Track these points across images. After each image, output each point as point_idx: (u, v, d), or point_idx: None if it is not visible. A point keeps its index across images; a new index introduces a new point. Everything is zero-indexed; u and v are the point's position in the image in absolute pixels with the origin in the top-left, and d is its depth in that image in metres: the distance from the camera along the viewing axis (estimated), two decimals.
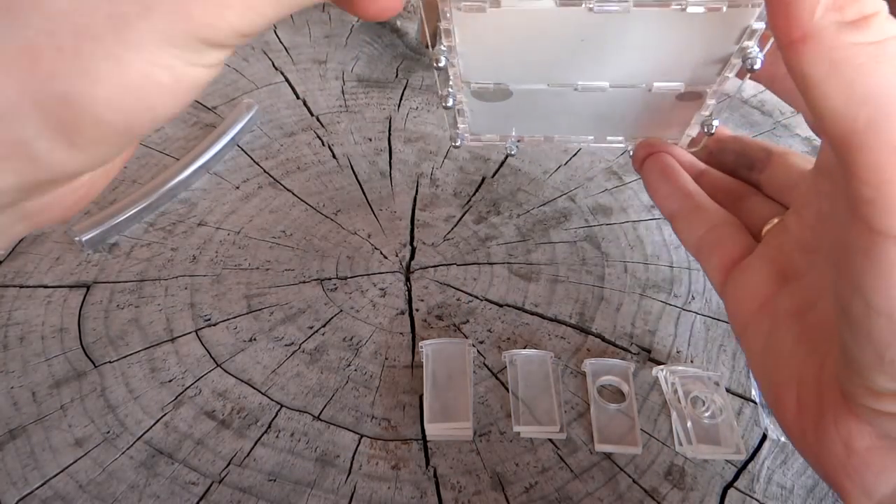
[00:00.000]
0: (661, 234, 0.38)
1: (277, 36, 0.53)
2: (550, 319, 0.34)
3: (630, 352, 0.33)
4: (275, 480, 0.27)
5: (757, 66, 0.25)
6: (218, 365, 0.31)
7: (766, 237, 0.26)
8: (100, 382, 0.30)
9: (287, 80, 0.48)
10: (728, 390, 0.31)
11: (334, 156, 0.43)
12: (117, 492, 0.27)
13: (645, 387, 0.31)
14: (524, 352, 0.31)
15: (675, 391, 0.30)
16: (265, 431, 0.29)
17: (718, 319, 0.34)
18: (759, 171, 0.30)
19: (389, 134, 0.44)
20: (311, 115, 0.46)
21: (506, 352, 0.31)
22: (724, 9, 0.24)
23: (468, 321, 0.33)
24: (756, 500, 0.27)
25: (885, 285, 0.16)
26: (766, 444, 0.29)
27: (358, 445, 0.29)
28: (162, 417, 0.29)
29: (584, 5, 0.24)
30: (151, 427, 0.29)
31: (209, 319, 0.33)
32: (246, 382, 0.31)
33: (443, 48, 0.27)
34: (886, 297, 0.16)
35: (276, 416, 0.29)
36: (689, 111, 0.31)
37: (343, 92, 0.48)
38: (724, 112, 0.31)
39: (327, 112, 0.46)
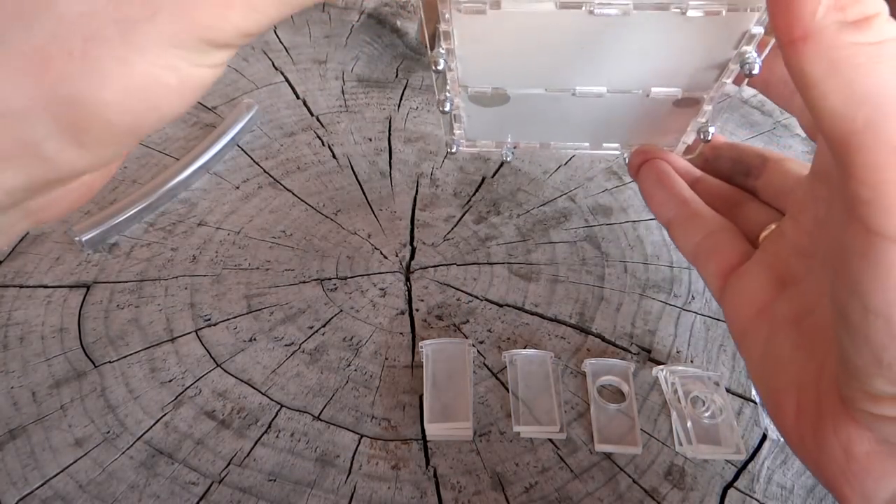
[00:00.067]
0: (661, 234, 0.38)
1: (277, 36, 0.53)
2: (550, 319, 0.34)
3: (630, 352, 0.33)
4: (275, 480, 0.27)
5: (755, 72, 0.25)
6: (218, 365, 0.31)
7: (764, 243, 0.26)
8: (100, 382, 0.30)
9: (287, 80, 0.48)
10: (728, 390, 0.31)
11: (334, 156, 0.43)
12: (117, 492, 0.27)
13: (645, 387, 0.31)
14: (524, 352, 0.31)
15: (675, 391, 0.30)
16: (265, 431, 0.29)
17: (718, 319, 0.34)
18: (756, 177, 0.30)
19: (389, 134, 0.44)
20: (311, 115, 0.46)
21: (506, 352, 0.31)
22: (724, 13, 0.24)
23: (468, 321, 0.33)
24: (756, 500, 0.27)
25: (881, 287, 0.16)
26: (766, 444, 0.29)
27: (358, 445, 0.29)
28: (162, 417, 0.29)
29: (584, 8, 0.24)
30: (151, 427, 0.29)
31: (209, 319, 0.33)
32: (246, 382, 0.31)
33: (441, 51, 0.27)
34: (884, 299, 0.16)
35: (276, 416, 0.29)
36: (685, 118, 0.31)
37: (343, 92, 0.48)
38: (720, 119, 0.31)
39: (327, 112, 0.46)
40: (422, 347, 0.31)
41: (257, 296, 0.34)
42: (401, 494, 0.27)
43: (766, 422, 0.30)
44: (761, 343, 0.24)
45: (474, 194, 0.40)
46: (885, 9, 0.16)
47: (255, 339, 0.32)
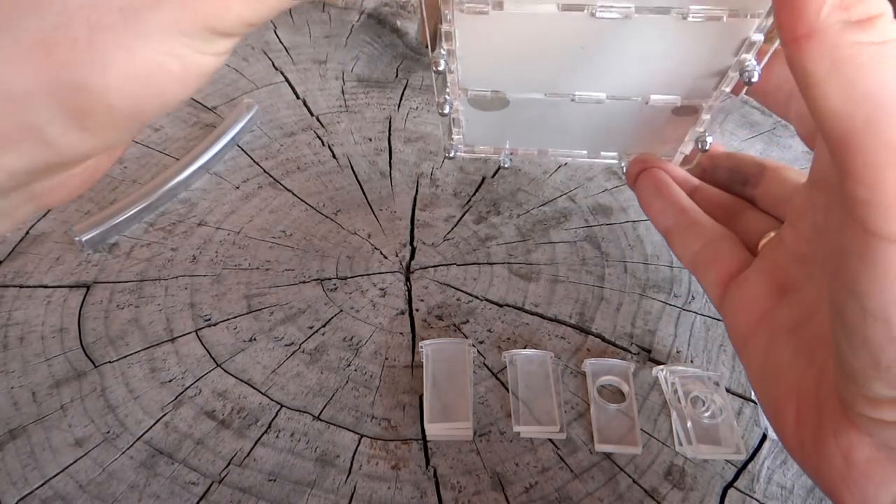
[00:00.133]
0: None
1: (277, 36, 0.53)
2: (550, 319, 0.34)
3: (630, 352, 0.33)
4: (275, 480, 0.27)
5: (754, 80, 0.25)
6: (218, 365, 0.31)
7: (763, 251, 0.26)
8: (100, 382, 0.30)
9: (287, 80, 0.48)
10: (728, 390, 0.31)
11: (334, 156, 0.43)
12: (117, 492, 0.27)
13: (645, 387, 0.31)
14: (524, 352, 0.31)
15: (675, 391, 0.30)
16: (265, 431, 0.29)
17: (718, 319, 0.34)
18: (754, 186, 0.30)
19: (389, 134, 0.44)
20: (311, 115, 0.46)
21: (506, 352, 0.31)
22: (724, 19, 0.24)
23: (468, 321, 0.33)
24: (756, 500, 0.27)
25: (879, 289, 0.16)
26: (766, 444, 0.29)
27: (358, 445, 0.29)
28: (162, 417, 0.29)
29: (586, 10, 0.24)
30: (151, 427, 0.29)
31: (209, 319, 0.33)
32: (246, 382, 0.31)
33: (442, 52, 0.27)
34: (882, 300, 0.16)
35: (276, 416, 0.29)
36: (683, 126, 0.31)
37: (343, 92, 0.48)
38: (717, 127, 0.31)
39: (327, 112, 0.46)
40: (422, 347, 0.31)
41: (257, 296, 0.34)
42: (401, 494, 0.27)
43: (766, 422, 0.30)
44: (761, 350, 0.23)
45: (474, 194, 0.40)
46: (889, 9, 0.16)
47: (255, 339, 0.32)
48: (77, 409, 0.29)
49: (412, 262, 0.36)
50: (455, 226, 0.38)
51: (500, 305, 0.34)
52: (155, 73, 0.16)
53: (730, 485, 0.28)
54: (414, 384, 0.31)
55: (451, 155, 0.34)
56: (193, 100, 0.46)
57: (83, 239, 0.35)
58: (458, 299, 0.34)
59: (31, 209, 0.19)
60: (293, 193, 0.40)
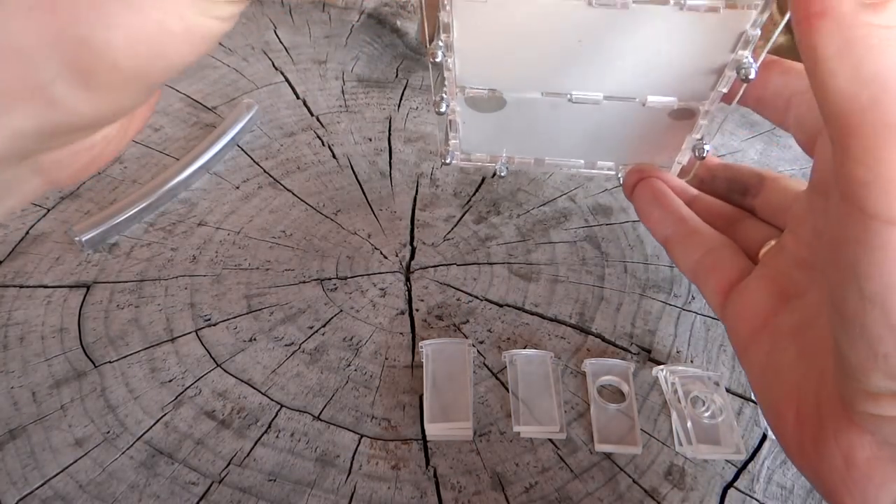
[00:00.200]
0: None
1: (277, 36, 0.53)
2: (550, 319, 0.34)
3: (630, 352, 0.33)
4: (275, 480, 0.27)
5: (751, 76, 0.25)
6: (218, 365, 0.31)
7: (764, 258, 0.26)
8: (100, 382, 0.30)
9: (287, 80, 0.48)
10: (728, 390, 0.31)
11: (334, 156, 0.43)
12: (117, 492, 0.27)
13: (645, 387, 0.31)
14: (524, 352, 0.31)
15: (675, 391, 0.30)
16: (265, 431, 0.29)
17: (718, 319, 0.34)
18: (753, 196, 0.30)
19: (389, 134, 0.44)
20: (311, 115, 0.46)
21: (506, 352, 0.31)
22: (722, 10, 0.24)
23: (468, 321, 0.33)
24: (756, 500, 0.27)
25: (878, 272, 0.16)
26: (766, 444, 0.29)
27: (358, 445, 0.29)
28: (162, 417, 0.29)
29: None
30: (151, 427, 0.29)
31: (209, 319, 0.33)
32: (246, 382, 0.31)
33: (440, 44, 0.27)
34: (880, 284, 0.16)
35: (276, 416, 0.29)
36: (680, 133, 0.31)
37: (343, 92, 0.48)
38: (714, 135, 0.31)
39: (327, 112, 0.46)
40: (422, 347, 0.31)
41: (257, 296, 0.34)
42: (401, 494, 0.27)
43: (766, 422, 0.30)
44: (763, 355, 0.23)
45: (474, 194, 0.40)
46: None
47: (255, 339, 0.32)
48: (77, 409, 0.29)
49: (412, 262, 0.36)
50: (455, 226, 0.38)
51: (500, 305, 0.34)
52: (157, 34, 0.16)
53: (730, 485, 0.28)
54: (414, 384, 0.31)
55: (448, 161, 0.34)
56: (193, 100, 0.46)
57: (83, 239, 0.35)
58: (458, 299, 0.34)
59: (38, 185, 0.19)
60: (293, 193, 0.40)
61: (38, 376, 0.30)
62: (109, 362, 0.31)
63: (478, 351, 0.32)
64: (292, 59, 0.50)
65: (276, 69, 0.49)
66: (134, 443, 0.28)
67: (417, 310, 0.34)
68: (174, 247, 0.37)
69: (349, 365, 0.31)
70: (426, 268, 0.36)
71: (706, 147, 0.30)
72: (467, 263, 0.36)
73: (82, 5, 0.15)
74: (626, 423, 0.29)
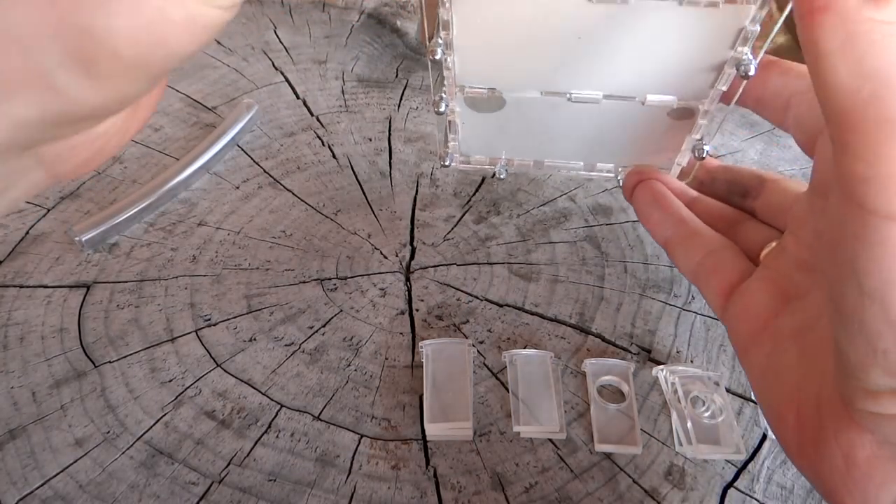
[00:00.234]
0: None
1: (277, 36, 0.53)
2: (550, 319, 0.34)
3: (630, 352, 0.33)
4: (275, 480, 0.27)
5: (751, 73, 0.25)
6: (218, 365, 0.31)
7: (765, 260, 0.26)
8: (100, 382, 0.30)
9: (287, 80, 0.48)
10: (728, 390, 0.31)
11: (334, 156, 0.43)
12: (117, 492, 0.27)
13: (645, 387, 0.31)
14: (524, 352, 0.31)
15: (675, 391, 0.30)
16: (265, 431, 0.29)
17: (718, 320, 0.34)
18: (754, 198, 0.30)
19: (389, 134, 0.44)
20: (311, 115, 0.46)
21: (506, 352, 0.31)
22: (721, 5, 0.24)
23: (468, 321, 0.33)
24: (756, 500, 0.27)
25: (877, 268, 0.16)
26: (766, 444, 0.29)
27: (358, 445, 0.29)
28: (162, 417, 0.29)
29: None
30: (151, 427, 0.29)
31: (209, 319, 0.33)
32: (246, 382, 0.31)
33: (439, 41, 0.27)
34: (879, 280, 0.16)
35: (276, 416, 0.29)
36: (679, 133, 0.31)
37: (343, 92, 0.48)
38: (713, 135, 0.31)
39: (327, 112, 0.46)
40: (422, 347, 0.31)
41: (257, 296, 0.34)
42: (401, 494, 0.27)
43: (766, 422, 0.30)
44: (764, 356, 0.23)
45: (474, 194, 0.40)
46: None
47: (255, 339, 0.32)
48: (77, 409, 0.29)
49: (412, 262, 0.36)
50: (455, 226, 0.38)
51: (500, 305, 0.34)
52: (158, 22, 0.16)
53: (730, 485, 0.28)
54: (414, 384, 0.31)
55: (447, 163, 0.34)
56: (193, 100, 0.46)
57: (83, 239, 0.35)
58: (458, 299, 0.34)
59: (41, 178, 0.19)
60: (293, 193, 0.40)
61: (38, 376, 0.30)
62: (109, 362, 0.31)
63: (478, 351, 0.32)
64: (292, 59, 0.50)
65: (276, 69, 0.49)
66: (134, 443, 0.28)
67: (417, 310, 0.34)
68: (174, 247, 0.37)
69: (349, 365, 0.31)
70: (426, 268, 0.36)
71: (706, 147, 0.30)
72: (467, 263, 0.36)
73: None
74: (626, 423, 0.29)
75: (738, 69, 0.26)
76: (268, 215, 0.39)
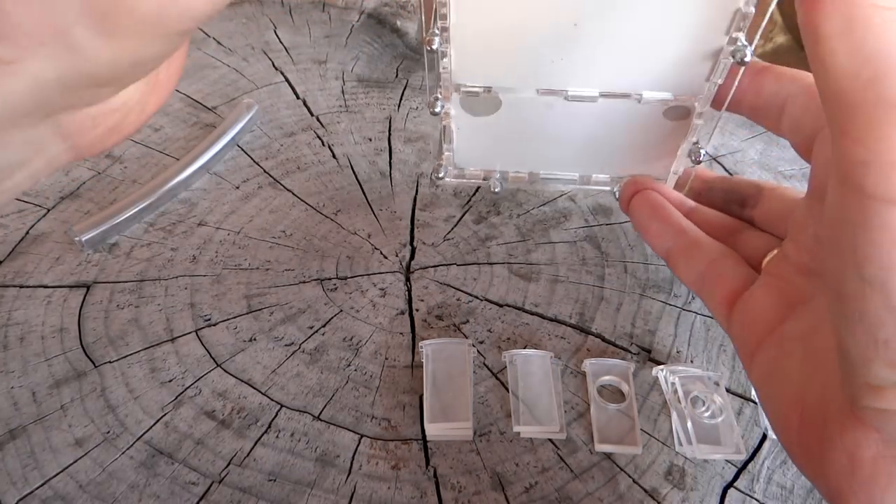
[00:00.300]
0: None
1: (277, 36, 0.53)
2: (550, 319, 0.34)
3: (630, 352, 0.33)
4: (275, 480, 0.27)
5: (747, 59, 0.26)
6: (218, 365, 0.31)
7: (767, 267, 0.26)
8: (100, 382, 0.30)
9: (287, 80, 0.48)
10: (728, 390, 0.31)
11: (334, 156, 0.43)
12: (117, 492, 0.27)
13: (645, 387, 0.31)
14: (524, 352, 0.31)
15: (675, 391, 0.30)
16: (265, 431, 0.29)
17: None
18: (752, 206, 0.30)
19: (389, 134, 0.44)
20: (311, 115, 0.46)
21: (506, 352, 0.31)
22: None
23: (468, 321, 0.33)
24: (756, 500, 0.27)
25: (877, 253, 0.16)
26: (766, 444, 0.29)
27: (358, 445, 0.29)
28: (162, 417, 0.29)
29: None
30: (151, 427, 0.29)
31: (209, 319, 0.33)
32: (246, 382, 0.31)
33: (436, 31, 0.27)
34: (879, 266, 0.15)
35: (276, 416, 0.29)
36: (675, 136, 0.31)
37: (343, 92, 0.48)
38: (708, 139, 0.31)
39: (327, 112, 0.46)
40: (422, 347, 0.31)
41: (257, 296, 0.34)
42: (401, 494, 0.27)
43: (766, 422, 0.30)
44: (769, 361, 0.23)
45: (474, 194, 0.40)
46: None
47: (255, 339, 0.32)
48: (77, 409, 0.29)
49: (412, 262, 0.36)
50: (455, 226, 0.38)
51: (500, 305, 0.34)
52: None
53: (730, 485, 0.28)
54: (414, 384, 0.31)
55: (441, 175, 0.34)
56: (193, 100, 0.46)
57: (83, 239, 0.35)
58: (458, 299, 0.34)
59: (61, 150, 0.19)
60: (293, 193, 0.40)
61: (38, 376, 0.30)
62: (109, 362, 0.31)
63: (478, 351, 0.32)
64: (292, 59, 0.50)
65: (276, 69, 0.49)
66: (134, 443, 0.28)
67: (417, 310, 0.34)
68: (174, 247, 0.37)
69: (349, 365, 0.31)
70: (426, 268, 0.36)
71: (702, 150, 0.30)
72: (467, 263, 0.36)
73: None
74: (626, 423, 0.29)
75: (734, 56, 0.26)
76: (268, 215, 0.39)
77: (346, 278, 0.35)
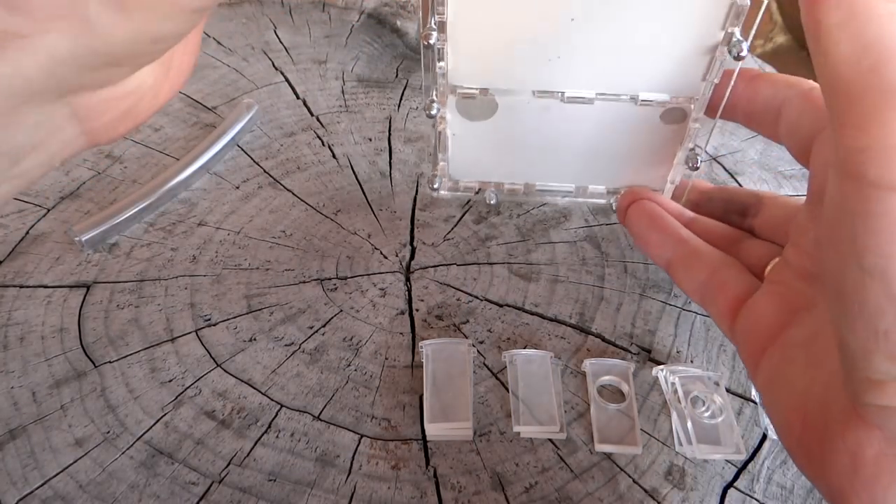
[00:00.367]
0: None
1: (277, 36, 0.53)
2: (550, 319, 0.34)
3: (630, 352, 0.33)
4: (275, 480, 0.27)
5: (743, 54, 0.26)
6: (218, 365, 0.31)
7: (769, 274, 0.26)
8: (100, 382, 0.30)
9: (287, 80, 0.48)
10: (728, 390, 0.31)
11: (334, 156, 0.43)
12: (117, 492, 0.27)
13: (645, 387, 0.31)
14: (524, 352, 0.31)
15: (675, 391, 0.30)
16: (265, 431, 0.29)
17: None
18: (753, 216, 0.30)
19: (389, 134, 0.44)
20: (311, 115, 0.46)
21: (506, 352, 0.31)
22: None
23: (468, 321, 0.33)
24: (756, 500, 0.27)
25: (876, 242, 0.15)
26: (766, 444, 0.29)
27: (358, 445, 0.29)
28: (162, 417, 0.29)
29: None
30: (151, 427, 0.29)
31: (209, 319, 0.33)
32: (246, 382, 0.31)
33: (433, 26, 0.27)
34: (879, 254, 0.15)
35: (276, 416, 0.29)
36: (672, 142, 0.31)
37: (343, 92, 0.48)
38: (705, 144, 0.31)
39: (327, 112, 0.46)
40: (422, 347, 0.31)
41: (257, 296, 0.34)
42: (401, 494, 0.27)
43: (766, 422, 0.30)
44: (773, 369, 0.23)
45: (474, 194, 0.40)
46: None
47: (255, 339, 0.32)
48: (77, 409, 0.29)
49: (412, 262, 0.36)
50: (455, 226, 0.38)
51: (500, 305, 0.34)
52: None
53: (730, 485, 0.28)
54: (414, 384, 0.31)
55: (436, 186, 0.34)
56: (193, 99, 0.46)
57: (83, 239, 0.35)
58: (458, 299, 0.34)
59: (75, 135, 0.19)
60: (293, 193, 0.40)
61: (38, 376, 0.30)
62: (109, 362, 0.31)
63: (478, 351, 0.32)
64: (292, 59, 0.50)
65: (276, 69, 0.49)
66: (134, 443, 0.28)
67: (417, 310, 0.34)
68: (174, 247, 0.37)
69: (349, 365, 0.31)
70: (426, 268, 0.36)
71: (699, 157, 0.30)
72: (467, 263, 0.36)
73: None
74: (626, 423, 0.29)
75: (730, 51, 0.26)
76: (268, 215, 0.39)
77: (346, 278, 0.35)
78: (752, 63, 0.50)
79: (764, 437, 0.29)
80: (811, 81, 0.25)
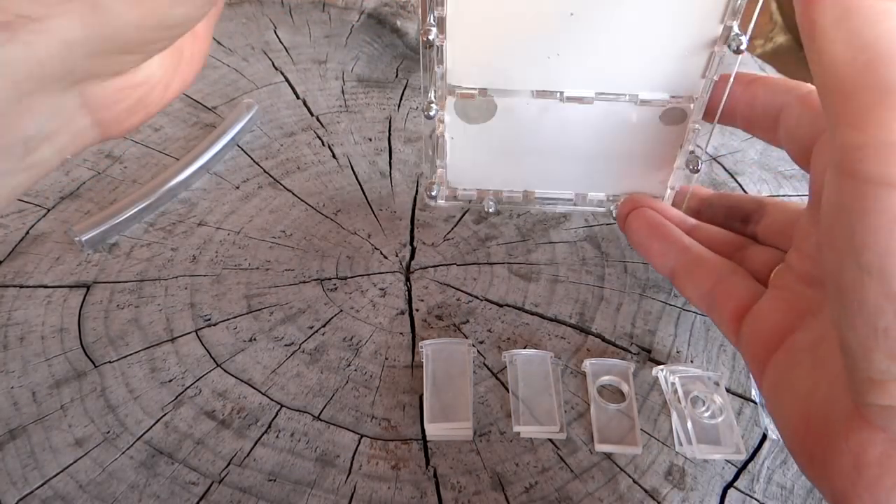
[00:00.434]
0: None
1: (277, 36, 0.53)
2: (550, 319, 0.34)
3: (630, 352, 0.33)
4: (275, 480, 0.27)
5: (743, 47, 0.26)
6: (218, 365, 0.31)
7: (773, 280, 0.26)
8: (100, 382, 0.30)
9: (287, 80, 0.48)
10: (728, 390, 0.31)
11: (334, 156, 0.43)
12: (117, 492, 0.27)
13: (645, 387, 0.31)
14: (524, 352, 0.31)
15: (675, 391, 0.30)
16: (265, 431, 0.29)
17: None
18: (756, 222, 0.30)
19: (389, 134, 0.44)
20: (311, 115, 0.46)
21: (506, 352, 0.31)
22: None
23: (468, 321, 0.33)
24: (756, 500, 0.27)
25: (874, 239, 0.15)
26: (766, 444, 0.29)
27: (358, 445, 0.29)
28: (162, 417, 0.29)
29: None
30: (151, 427, 0.29)
31: (209, 319, 0.33)
32: (246, 382, 0.31)
33: (432, 22, 0.27)
34: (876, 251, 0.15)
35: (276, 416, 0.29)
36: (672, 144, 0.31)
37: (343, 92, 0.48)
38: (705, 146, 0.31)
39: (327, 112, 0.46)
40: (422, 347, 0.31)
41: (257, 296, 0.34)
42: (401, 494, 0.27)
43: (766, 421, 0.30)
44: (779, 372, 0.23)
45: None
46: None
47: (255, 339, 0.32)
48: (77, 409, 0.29)
49: (412, 262, 0.36)
50: (455, 226, 0.38)
51: (500, 305, 0.34)
52: None
53: (730, 485, 0.28)
54: (414, 384, 0.31)
55: (433, 194, 0.34)
56: (193, 100, 0.46)
57: (83, 239, 0.35)
58: (458, 299, 0.34)
59: (87, 125, 0.19)
60: (293, 193, 0.40)
61: (38, 376, 0.30)
62: (109, 362, 0.31)
63: (478, 351, 0.32)
64: (292, 59, 0.50)
65: (276, 69, 0.49)
66: (134, 443, 0.28)
67: (417, 310, 0.34)
68: (174, 247, 0.37)
69: (349, 365, 0.31)
70: (426, 268, 0.36)
71: (700, 160, 0.30)
72: (467, 263, 0.36)
73: None
74: (626, 423, 0.29)
75: (728, 45, 0.26)
76: (268, 215, 0.39)
77: (346, 278, 0.35)
78: (752, 63, 0.50)
79: (764, 437, 0.29)
80: (809, 85, 0.25)
